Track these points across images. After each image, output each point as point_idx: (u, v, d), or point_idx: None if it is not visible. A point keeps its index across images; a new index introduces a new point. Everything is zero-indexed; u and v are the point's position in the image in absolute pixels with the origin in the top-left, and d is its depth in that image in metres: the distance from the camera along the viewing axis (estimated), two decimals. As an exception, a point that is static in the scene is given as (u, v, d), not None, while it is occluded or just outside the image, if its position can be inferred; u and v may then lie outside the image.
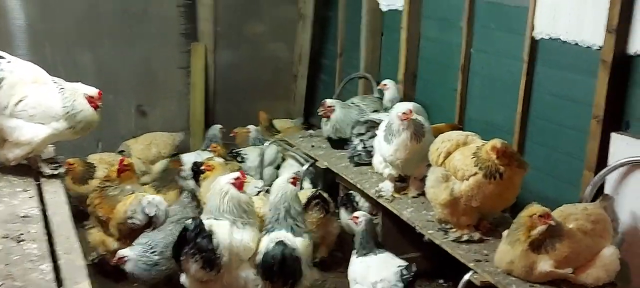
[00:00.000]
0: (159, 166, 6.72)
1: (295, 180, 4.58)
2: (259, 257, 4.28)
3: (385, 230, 5.02)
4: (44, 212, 3.72)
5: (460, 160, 3.92)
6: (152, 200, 4.75)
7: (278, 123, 7.09)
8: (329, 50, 7.38)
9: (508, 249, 3.54)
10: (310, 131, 6.35)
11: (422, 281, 5.18)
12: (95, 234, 5.06)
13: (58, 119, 4.21)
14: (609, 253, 3.49)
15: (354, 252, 4.30)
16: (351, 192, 5.26)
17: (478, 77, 5.07)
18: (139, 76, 7.07)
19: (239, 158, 6.30)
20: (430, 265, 5.22)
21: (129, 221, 4.72)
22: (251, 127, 6.70)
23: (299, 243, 4.34)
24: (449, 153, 4.02)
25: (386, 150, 4.48)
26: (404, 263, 4.08)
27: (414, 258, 5.18)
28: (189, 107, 7.27)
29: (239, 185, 4.46)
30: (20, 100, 4.08)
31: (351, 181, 5.04)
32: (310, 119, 7.47)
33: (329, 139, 5.68)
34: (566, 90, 4.30)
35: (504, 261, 3.57)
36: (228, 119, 7.13)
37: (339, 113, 5.53)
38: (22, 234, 3.39)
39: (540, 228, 3.40)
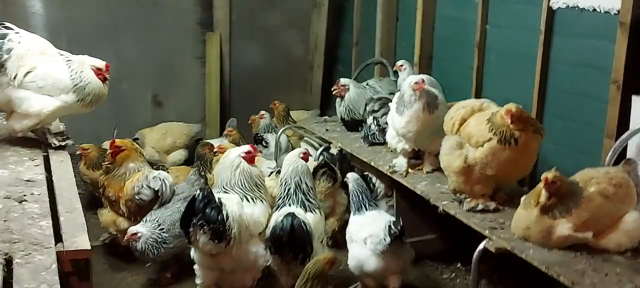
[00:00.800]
0: (176, 156, 6.70)
1: (306, 156, 4.49)
2: (268, 231, 4.19)
3: (400, 211, 4.90)
4: (49, 178, 3.69)
5: (474, 127, 3.80)
6: (158, 175, 4.73)
7: (295, 114, 7.01)
8: (344, 40, 7.30)
9: (524, 214, 3.41)
10: (325, 117, 6.28)
11: (439, 264, 5.06)
12: (107, 214, 5.03)
13: (67, 92, 4.20)
14: (632, 218, 3.32)
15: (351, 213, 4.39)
16: (367, 173, 5.15)
17: (494, 52, 4.95)
18: (155, 66, 7.06)
19: (264, 143, 6.26)
20: (447, 247, 5.09)
21: (136, 197, 4.70)
22: (265, 113, 6.62)
23: (311, 218, 4.25)
24: (463, 121, 3.91)
25: (398, 122, 4.37)
26: (392, 218, 4.12)
27: (430, 240, 5.09)
28: (204, 97, 7.22)
29: (250, 159, 4.38)
30: (29, 72, 4.10)
31: (365, 160, 4.93)
32: (327, 111, 7.37)
33: (343, 121, 5.60)
34: (584, 58, 4.16)
35: (520, 227, 3.43)
36: (244, 109, 7.08)
37: (353, 92, 5.44)
38: (24, 195, 3.38)
39: (543, 194, 3.27)
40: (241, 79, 7.31)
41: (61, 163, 3.97)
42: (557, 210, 3.30)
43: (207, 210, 4.02)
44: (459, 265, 5.04)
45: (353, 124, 5.51)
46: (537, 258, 3.22)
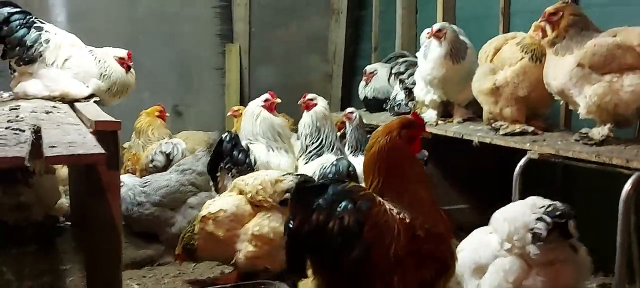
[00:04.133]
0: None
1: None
2: (316, 175, 3.99)
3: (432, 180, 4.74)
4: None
5: (508, 52, 3.78)
6: (170, 141, 4.80)
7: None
8: (363, 49, 7.31)
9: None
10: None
11: (472, 235, 4.84)
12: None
13: (98, 78, 4.24)
14: None
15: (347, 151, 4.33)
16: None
17: (519, 16, 4.89)
18: (175, 76, 7.08)
19: None
20: (480, 217, 4.87)
21: (151, 165, 4.70)
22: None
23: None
24: (497, 50, 3.85)
25: (425, 68, 4.29)
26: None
27: (462, 209, 4.90)
28: (224, 108, 7.19)
29: (269, 106, 4.34)
30: (67, 59, 4.17)
31: (392, 124, 4.82)
32: (346, 124, 7.30)
33: (366, 102, 5.56)
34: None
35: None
36: (263, 120, 7.01)
37: (381, 72, 5.42)
38: (50, 110, 3.32)
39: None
40: (260, 90, 7.22)
41: (86, 105, 3.90)
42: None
43: (234, 153, 3.95)
44: (492, 236, 4.82)
45: (377, 105, 5.45)
46: (586, 151, 3.07)
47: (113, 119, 2.72)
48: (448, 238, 2.49)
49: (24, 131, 2.43)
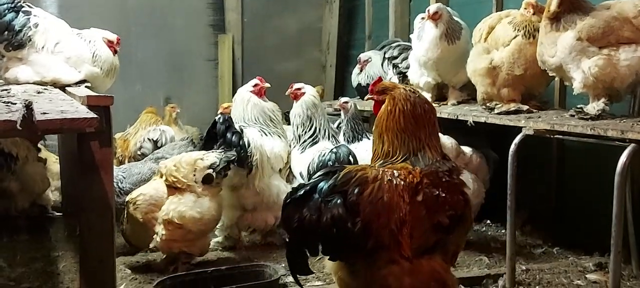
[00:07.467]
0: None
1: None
2: (313, 165, 3.99)
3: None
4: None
5: (501, 30, 3.77)
6: (158, 128, 4.78)
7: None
8: (357, 39, 7.30)
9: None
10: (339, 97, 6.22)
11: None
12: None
13: (89, 64, 4.18)
14: None
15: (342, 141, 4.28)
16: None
17: (513, 0, 4.89)
18: (167, 68, 7.05)
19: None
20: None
21: (139, 153, 4.67)
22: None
23: None
24: (491, 29, 3.85)
25: (419, 50, 4.27)
26: None
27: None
28: (216, 99, 7.16)
29: (258, 91, 4.32)
30: (57, 43, 4.10)
31: (385, 109, 4.80)
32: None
33: (359, 89, 5.54)
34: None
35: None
36: (256, 110, 6.98)
37: (375, 59, 5.40)
38: (41, 91, 3.29)
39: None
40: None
41: (77, 88, 3.86)
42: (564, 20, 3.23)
43: (228, 135, 3.92)
44: (488, 221, 4.83)
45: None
46: (581, 124, 3.07)
47: (105, 95, 2.69)
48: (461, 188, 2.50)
49: (15, 104, 2.41)
